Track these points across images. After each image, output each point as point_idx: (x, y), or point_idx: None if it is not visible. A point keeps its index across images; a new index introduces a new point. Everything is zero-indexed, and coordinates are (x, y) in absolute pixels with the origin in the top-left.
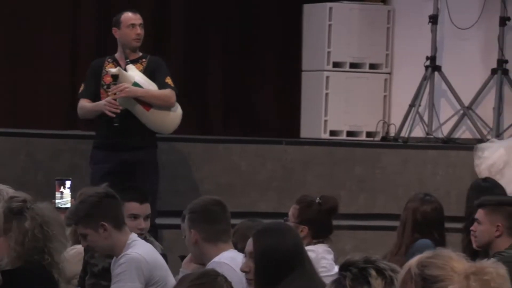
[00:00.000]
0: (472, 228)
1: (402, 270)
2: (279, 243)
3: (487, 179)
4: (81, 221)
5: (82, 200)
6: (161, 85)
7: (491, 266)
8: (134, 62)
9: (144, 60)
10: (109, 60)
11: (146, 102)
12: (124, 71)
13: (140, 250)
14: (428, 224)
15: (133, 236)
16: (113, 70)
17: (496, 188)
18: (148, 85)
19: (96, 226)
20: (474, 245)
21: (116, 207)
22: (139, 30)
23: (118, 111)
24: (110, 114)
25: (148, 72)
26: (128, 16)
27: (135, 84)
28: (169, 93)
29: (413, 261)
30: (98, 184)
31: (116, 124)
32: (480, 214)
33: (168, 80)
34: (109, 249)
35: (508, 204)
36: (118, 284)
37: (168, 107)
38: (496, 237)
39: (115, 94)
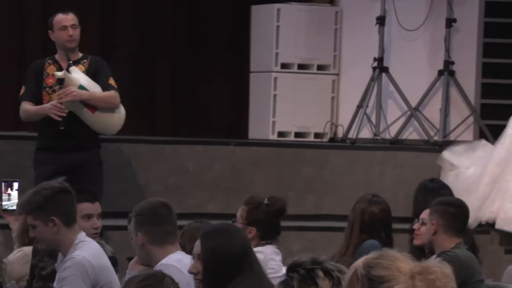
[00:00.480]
0: (414, 226)
1: (348, 271)
2: (227, 244)
3: (434, 180)
4: (32, 213)
5: (36, 191)
6: (105, 86)
7: (436, 265)
8: (75, 63)
9: (85, 61)
10: (49, 61)
11: (91, 105)
12: (69, 74)
13: (86, 253)
14: (375, 225)
15: (82, 236)
16: (59, 73)
17: (443, 189)
18: (93, 87)
19: (46, 219)
20: (415, 242)
21: (69, 204)
22: (71, 31)
23: (64, 114)
24: (56, 117)
25: (91, 73)
26: (60, 18)
27: (81, 87)
28: (113, 94)
29: (360, 262)
30: None
31: (62, 128)
32: (424, 214)
33: (111, 81)
34: (55, 245)
35: (447, 203)
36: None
37: (113, 108)
38: (432, 234)
39: (61, 98)
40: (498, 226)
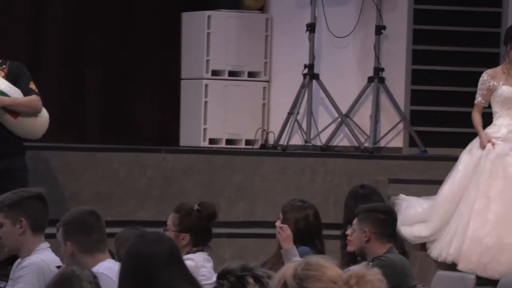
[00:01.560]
0: (347, 232)
1: (274, 280)
2: (151, 252)
3: (364, 186)
4: (4, 209)
5: (14, 192)
6: (26, 91)
7: (370, 273)
8: None
9: (4, 66)
10: None
11: (14, 110)
12: None
13: (45, 256)
14: (310, 231)
15: (45, 245)
16: None
17: (374, 195)
18: (14, 92)
19: (15, 219)
20: (348, 249)
21: (41, 211)
22: None
23: None
24: None
25: (11, 78)
26: None
27: (1, 93)
28: (35, 98)
29: (287, 273)
30: None
31: None
32: (355, 221)
33: (32, 86)
34: (17, 248)
35: (377, 210)
36: (18, 285)
37: (35, 113)
38: (365, 242)
39: None
40: (461, 268)
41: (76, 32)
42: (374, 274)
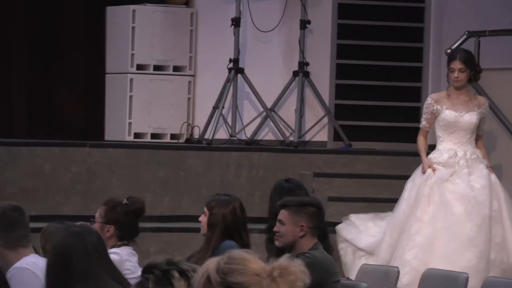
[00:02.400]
0: (275, 228)
1: (198, 275)
2: (75, 245)
3: (289, 180)
4: None
5: None
6: None
7: (293, 264)
8: None
9: None
10: None
11: None
12: None
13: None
14: (237, 225)
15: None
16: None
17: (299, 189)
18: None
19: None
20: (277, 245)
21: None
22: None
23: None
24: None
25: None
26: None
27: None
28: None
29: (211, 267)
30: None
31: None
32: (283, 214)
33: None
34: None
35: (311, 204)
36: None
37: None
38: (300, 237)
39: None
40: None
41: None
42: (298, 266)
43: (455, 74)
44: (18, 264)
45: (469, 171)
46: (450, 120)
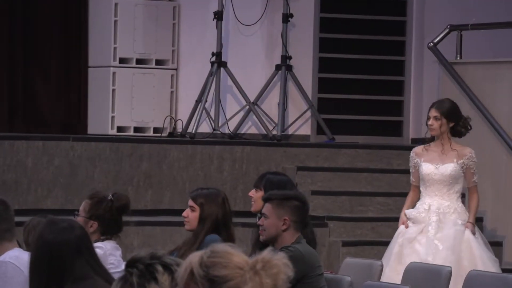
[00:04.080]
0: (259, 222)
1: (181, 269)
2: (60, 239)
3: (277, 173)
4: None
5: None
6: None
7: (275, 257)
8: None
9: None
10: None
11: None
12: None
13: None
14: (226, 219)
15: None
16: None
17: (288, 183)
18: None
19: None
20: (261, 239)
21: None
22: None
23: None
24: None
25: None
26: None
27: None
28: None
29: (194, 261)
30: None
31: None
32: (267, 208)
33: None
34: None
35: (294, 198)
36: None
37: None
38: (283, 230)
39: None
40: None
41: None
42: (280, 259)
43: (429, 122)
44: (1, 258)
45: (440, 226)
46: (425, 173)
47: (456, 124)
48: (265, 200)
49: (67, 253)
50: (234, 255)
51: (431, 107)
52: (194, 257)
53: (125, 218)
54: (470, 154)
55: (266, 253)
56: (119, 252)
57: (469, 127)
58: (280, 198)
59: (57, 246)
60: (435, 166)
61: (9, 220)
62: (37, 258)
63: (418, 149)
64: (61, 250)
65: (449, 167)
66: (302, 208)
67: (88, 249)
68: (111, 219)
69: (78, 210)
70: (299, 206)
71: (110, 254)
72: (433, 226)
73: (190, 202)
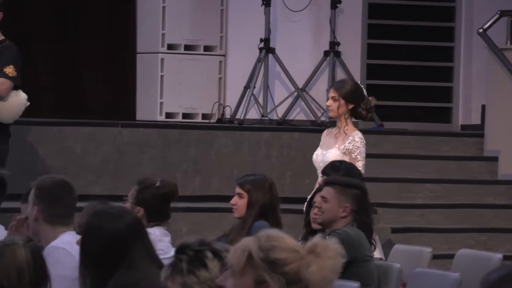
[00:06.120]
0: (317, 204)
1: (235, 253)
2: (109, 226)
3: (342, 162)
4: None
5: None
6: None
7: (330, 242)
8: None
9: None
10: None
11: None
12: None
13: None
14: (274, 204)
15: None
16: None
17: (353, 170)
18: None
19: None
20: (317, 221)
21: None
22: None
23: None
24: None
25: None
26: None
27: None
28: None
29: (251, 245)
30: None
31: None
32: (328, 192)
33: (7, 69)
34: None
35: (357, 186)
36: None
37: None
38: (342, 217)
39: None
40: None
41: (24, 4)
42: (334, 243)
43: (328, 102)
44: (54, 243)
45: None
46: (313, 159)
47: (356, 106)
48: (327, 183)
49: (117, 240)
50: (288, 239)
51: (330, 87)
52: (250, 241)
53: (173, 204)
54: (352, 138)
55: (319, 238)
56: (168, 238)
57: (372, 109)
58: (343, 185)
59: (107, 233)
60: (322, 152)
61: (68, 204)
62: (87, 245)
63: (325, 132)
64: (111, 238)
65: (331, 153)
66: (363, 197)
67: (141, 235)
68: (156, 205)
69: (126, 196)
70: (361, 195)
71: (159, 240)
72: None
73: (238, 189)
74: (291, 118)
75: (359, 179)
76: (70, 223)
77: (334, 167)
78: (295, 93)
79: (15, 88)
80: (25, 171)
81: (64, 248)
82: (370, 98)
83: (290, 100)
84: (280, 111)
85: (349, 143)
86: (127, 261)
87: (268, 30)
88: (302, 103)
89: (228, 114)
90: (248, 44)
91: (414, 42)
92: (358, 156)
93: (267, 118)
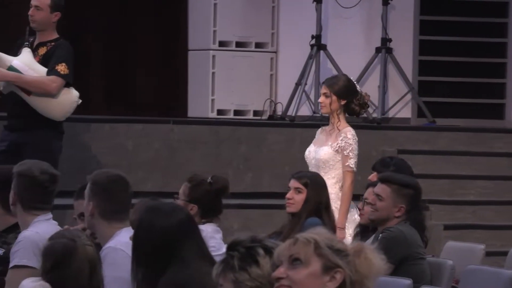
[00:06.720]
0: (370, 201)
1: (298, 245)
2: (162, 222)
3: (392, 158)
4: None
5: (5, 167)
6: (49, 71)
7: (369, 245)
8: (42, 44)
9: (53, 43)
10: (30, 39)
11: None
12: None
13: (40, 229)
14: (328, 201)
15: (43, 217)
16: None
17: (404, 168)
18: (28, 70)
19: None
20: (370, 217)
21: (29, 189)
22: (31, 11)
23: None
24: None
25: (47, 56)
26: None
27: (11, 68)
28: (46, 80)
29: (313, 236)
30: None
31: None
32: (384, 190)
33: (59, 67)
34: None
35: (412, 186)
36: (13, 261)
37: (45, 94)
38: (396, 217)
39: None
40: None
41: (76, 2)
42: (373, 248)
43: (320, 99)
44: (112, 244)
45: None
46: (305, 156)
47: (349, 102)
48: (383, 181)
49: (169, 237)
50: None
51: (323, 83)
52: (314, 233)
53: (225, 201)
54: (344, 135)
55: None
56: (219, 235)
57: (366, 105)
58: (399, 184)
59: (159, 230)
60: (315, 149)
61: (123, 200)
62: (139, 241)
63: (320, 129)
64: (162, 234)
65: (323, 151)
66: (417, 197)
67: (193, 232)
68: (210, 202)
69: (177, 193)
70: (415, 195)
71: (211, 237)
72: None
73: (296, 184)
74: None
75: (410, 175)
76: (126, 218)
77: (384, 163)
78: None
79: (67, 85)
80: (78, 168)
81: (122, 249)
82: (364, 93)
83: None
84: None
85: (341, 140)
86: (178, 258)
87: (319, 27)
88: None
89: (279, 111)
90: (300, 40)
91: (467, 38)
92: (350, 154)
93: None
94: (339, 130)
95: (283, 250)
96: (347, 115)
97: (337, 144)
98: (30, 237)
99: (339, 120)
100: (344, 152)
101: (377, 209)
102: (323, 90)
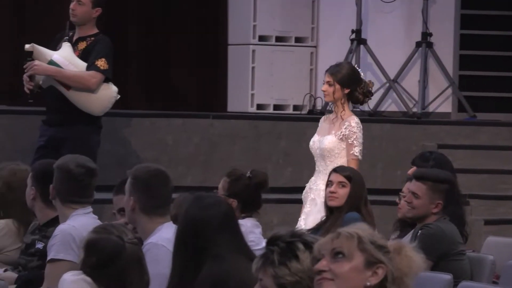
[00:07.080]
0: (407, 199)
1: (340, 239)
2: (205, 214)
3: (432, 152)
4: (31, 177)
5: (45, 162)
6: (88, 66)
7: (408, 245)
8: (82, 39)
9: (92, 38)
10: (70, 34)
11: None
12: (40, 48)
13: (77, 223)
14: (366, 198)
15: (81, 211)
16: (27, 46)
17: (445, 163)
18: (68, 64)
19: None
20: (407, 215)
21: (66, 183)
22: (72, 5)
23: (31, 87)
24: (26, 90)
25: (87, 51)
26: None
27: (51, 62)
28: (86, 75)
29: (357, 231)
30: (36, 156)
31: (30, 101)
32: (420, 188)
33: (99, 62)
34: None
35: (448, 181)
36: (50, 254)
37: (84, 89)
38: (433, 213)
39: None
40: None
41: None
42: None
43: (323, 87)
44: (154, 239)
45: (311, 210)
46: (309, 146)
47: (353, 90)
48: (417, 178)
49: (211, 229)
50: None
51: (326, 71)
52: (358, 229)
53: (264, 196)
54: (348, 123)
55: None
56: (259, 230)
57: (369, 94)
58: (434, 180)
59: (202, 221)
60: (319, 139)
61: (163, 195)
62: (182, 233)
63: (323, 118)
64: (206, 226)
65: (327, 140)
66: (453, 191)
67: (233, 226)
68: (250, 196)
69: (216, 188)
70: (451, 189)
71: (250, 232)
72: (307, 207)
73: (339, 177)
74: (382, 109)
75: (450, 170)
76: (167, 213)
77: (424, 157)
78: (387, 84)
79: (106, 80)
80: (117, 163)
81: (164, 245)
82: (368, 81)
83: (381, 91)
84: (372, 102)
85: (345, 128)
86: (217, 251)
87: (359, 21)
88: (394, 94)
89: (319, 106)
90: (340, 35)
91: (508, 32)
92: (355, 142)
93: (358, 110)
94: (343, 119)
95: (325, 244)
96: (351, 103)
97: (341, 132)
98: (67, 231)
99: (343, 109)
100: (349, 140)
101: (414, 207)
102: (327, 78)
